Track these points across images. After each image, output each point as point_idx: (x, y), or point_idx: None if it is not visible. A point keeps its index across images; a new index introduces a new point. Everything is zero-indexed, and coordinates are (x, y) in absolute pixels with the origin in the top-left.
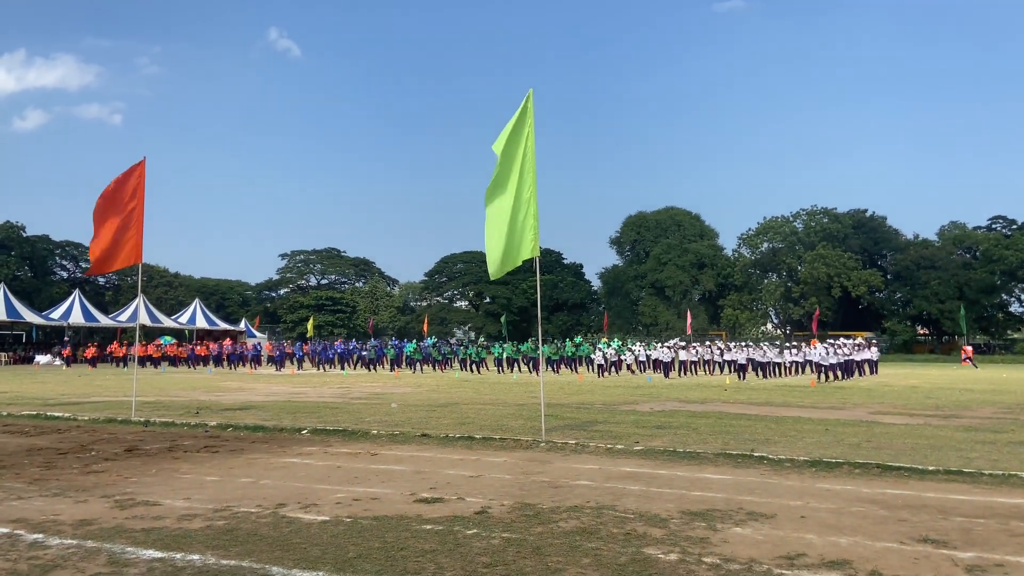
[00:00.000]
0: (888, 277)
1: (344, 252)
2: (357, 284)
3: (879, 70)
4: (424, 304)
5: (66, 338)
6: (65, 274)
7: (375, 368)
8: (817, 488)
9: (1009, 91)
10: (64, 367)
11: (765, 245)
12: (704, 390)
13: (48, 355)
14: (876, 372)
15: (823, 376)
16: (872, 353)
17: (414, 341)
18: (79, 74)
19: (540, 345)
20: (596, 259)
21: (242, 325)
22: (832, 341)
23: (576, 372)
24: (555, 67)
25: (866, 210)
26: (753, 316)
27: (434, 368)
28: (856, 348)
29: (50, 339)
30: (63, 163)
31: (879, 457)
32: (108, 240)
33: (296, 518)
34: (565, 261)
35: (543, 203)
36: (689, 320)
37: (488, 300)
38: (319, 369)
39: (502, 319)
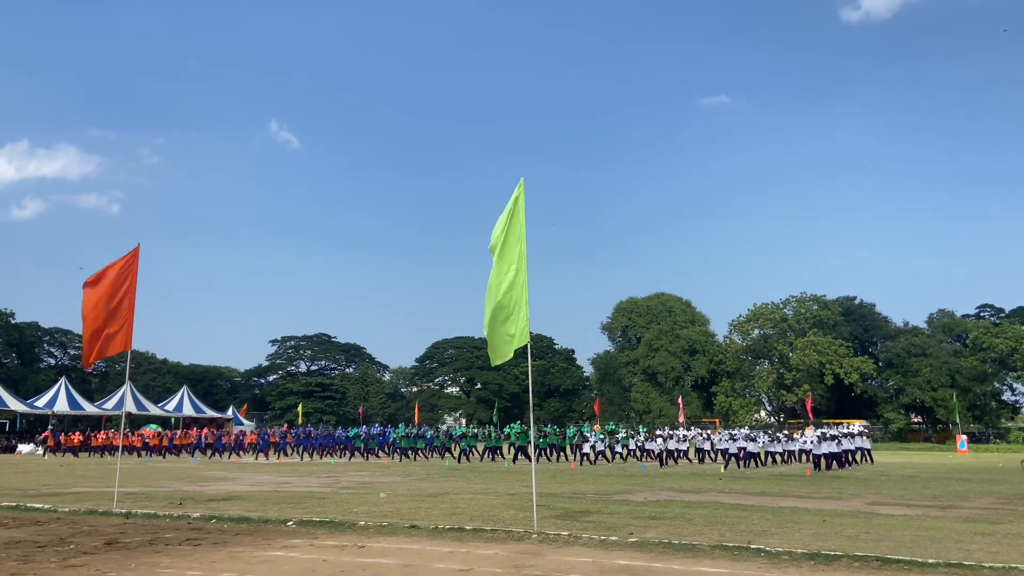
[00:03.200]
0: (880, 364)
1: (335, 338)
2: (347, 370)
3: (864, 160)
4: (415, 390)
5: (50, 426)
6: (52, 361)
7: (367, 456)
8: None
9: (994, 179)
10: (46, 456)
11: (756, 331)
12: (698, 479)
13: (31, 444)
14: (872, 461)
15: (817, 465)
16: (865, 441)
17: (400, 426)
18: (80, 164)
19: (532, 432)
20: (588, 345)
21: (229, 412)
22: (825, 431)
23: (566, 460)
24: (546, 157)
25: (855, 297)
26: (746, 403)
27: (426, 456)
28: (853, 436)
29: (34, 428)
30: (57, 251)
31: (879, 550)
32: (100, 328)
33: None
34: (556, 347)
35: (534, 288)
36: (682, 407)
37: (479, 386)
38: (311, 458)
39: (495, 406)
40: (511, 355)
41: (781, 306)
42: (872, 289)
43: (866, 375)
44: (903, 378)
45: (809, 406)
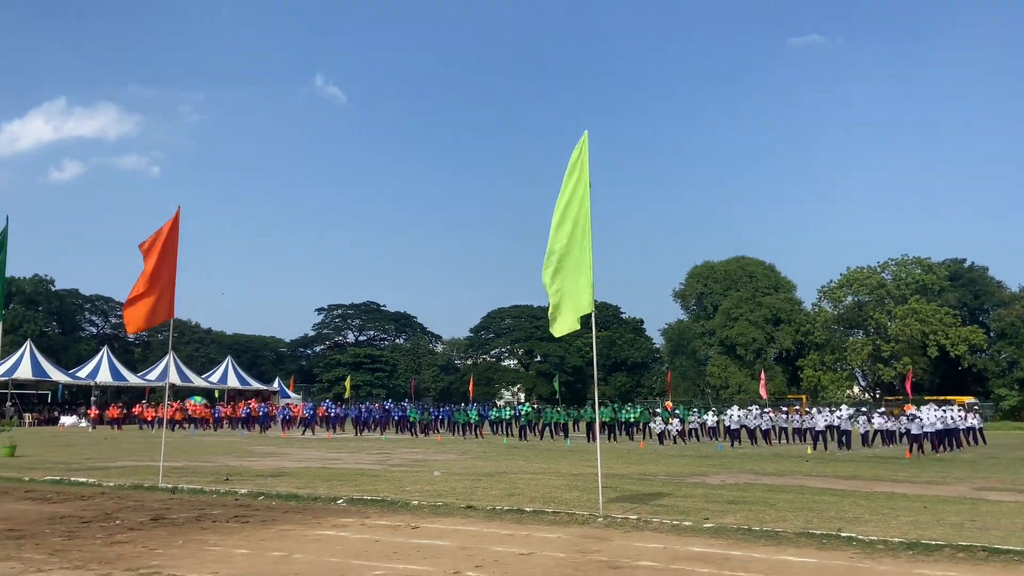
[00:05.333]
0: (991, 335)
1: (384, 306)
2: (398, 341)
3: (974, 107)
4: (469, 363)
5: (93, 398)
6: (94, 330)
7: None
8: (915, 574)
9: None
10: (90, 429)
11: (849, 299)
12: (782, 461)
13: (74, 416)
14: (985, 441)
15: (918, 447)
16: (975, 420)
17: (462, 405)
18: (118, 123)
19: (596, 409)
20: (658, 314)
21: (275, 384)
22: (935, 407)
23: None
24: (613, 107)
25: (964, 260)
26: (837, 378)
27: (476, 434)
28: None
29: (76, 399)
30: (97, 215)
31: (985, 539)
32: (143, 294)
33: None
34: (623, 316)
35: (598, 252)
36: (764, 382)
37: (539, 359)
38: (361, 433)
39: (555, 380)
40: (571, 324)
41: (878, 270)
42: (984, 250)
43: (975, 347)
44: (1018, 350)
45: (909, 381)
